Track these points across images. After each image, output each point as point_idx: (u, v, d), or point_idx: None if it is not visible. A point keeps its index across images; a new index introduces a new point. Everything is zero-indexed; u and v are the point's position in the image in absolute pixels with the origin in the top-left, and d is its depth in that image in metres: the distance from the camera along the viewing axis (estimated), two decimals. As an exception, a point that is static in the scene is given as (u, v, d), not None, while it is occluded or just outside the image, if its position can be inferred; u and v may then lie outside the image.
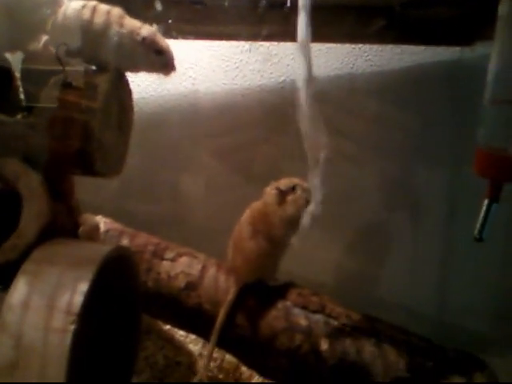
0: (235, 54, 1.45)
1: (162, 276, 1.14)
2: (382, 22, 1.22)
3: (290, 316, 1.03)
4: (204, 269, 1.13)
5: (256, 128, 1.48)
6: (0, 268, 0.86)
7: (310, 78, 0.93)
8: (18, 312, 0.76)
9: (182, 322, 1.18)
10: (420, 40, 1.35)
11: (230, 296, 1.06)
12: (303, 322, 1.02)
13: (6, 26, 0.92)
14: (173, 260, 1.16)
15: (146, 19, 0.98)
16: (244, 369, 1.30)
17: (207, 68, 1.46)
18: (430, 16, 1.22)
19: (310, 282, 1.14)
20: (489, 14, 0.79)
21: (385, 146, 1.45)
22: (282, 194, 1.03)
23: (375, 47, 1.42)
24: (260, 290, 1.08)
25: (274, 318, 1.04)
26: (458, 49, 1.37)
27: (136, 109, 1.11)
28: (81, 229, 1.12)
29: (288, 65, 1.43)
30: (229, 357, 1.29)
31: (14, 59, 0.95)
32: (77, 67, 0.93)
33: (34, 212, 0.88)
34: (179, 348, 1.36)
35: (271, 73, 1.45)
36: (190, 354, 1.35)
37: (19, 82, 0.94)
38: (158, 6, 1.11)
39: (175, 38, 1.27)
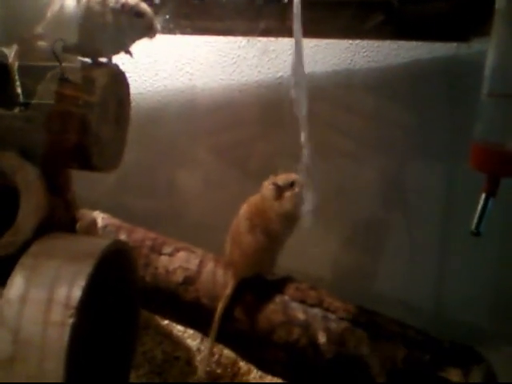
0: (232, 49, 1.44)
1: (159, 271, 1.14)
2: (379, 17, 1.22)
3: (288, 310, 1.03)
4: (202, 263, 1.13)
5: (253, 123, 1.48)
6: (-3, 262, 0.86)
7: (303, 74, 0.93)
8: (15, 306, 0.76)
9: (180, 317, 1.18)
10: (417, 36, 1.35)
11: (228, 290, 1.06)
12: (301, 315, 1.02)
13: (1, 18, 0.92)
14: (170, 255, 1.16)
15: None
16: (242, 363, 1.30)
17: (204, 63, 1.46)
18: (427, 12, 1.22)
19: (308, 277, 1.15)
20: (485, 9, 0.79)
21: (382, 141, 1.45)
22: (280, 190, 1.03)
23: (373, 43, 1.42)
24: (258, 285, 1.08)
25: (272, 311, 1.04)
26: (454, 44, 1.38)
27: (133, 104, 1.11)
28: (78, 224, 1.12)
29: (285, 60, 1.43)
30: (227, 351, 1.30)
31: (11, 53, 0.95)
32: (74, 62, 0.93)
33: (31, 206, 0.88)
34: (177, 343, 1.37)
35: (268, 68, 1.45)
36: (188, 348, 1.35)
37: (16, 76, 0.94)
38: (156, 1, 1.12)
39: (173, 33, 1.28)
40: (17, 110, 0.92)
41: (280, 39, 1.41)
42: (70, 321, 0.74)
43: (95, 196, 1.35)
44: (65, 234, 0.95)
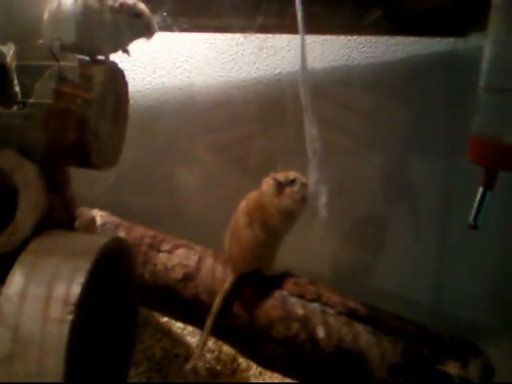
0: (231, 46, 1.44)
1: (158, 268, 1.14)
2: (376, 13, 1.22)
3: (287, 305, 1.04)
4: (201, 260, 1.14)
5: (252, 120, 1.48)
6: (-3, 260, 0.86)
7: (305, 70, 0.93)
8: (15, 303, 0.76)
9: (180, 314, 1.18)
10: (414, 31, 1.36)
11: (227, 284, 1.06)
12: (300, 310, 1.03)
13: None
14: (169, 252, 1.16)
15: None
16: (242, 360, 1.31)
17: (203, 61, 1.46)
18: (425, 7, 1.22)
19: (307, 273, 1.15)
20: (482, 4, 0.79)
21: (381, 136, 1.45)
22: (281, 186, 1.04)
23: (370, 39, 1.42)
24: (257, 280, 1.08)
25: (271, 307, 1.04)
26: (452, 40, 1.38)
27: (131, 102, 1.11)
28: (77, 222, 1.12)
29: (284, 57, 1.43)
30: (226, 348, 1.30)
31: (9, 51, 0.95)
32: (72, 60, 0.94)
33: (30, 204, 0.88)
34: (177, 340, 1.37)
35: (267, 65, 1.45)
36: (187, 346, 1.35)
37: (14, 75, 0.94)
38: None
39: (170, 30, 1.28)
40: (15, 108, 0.93)
41: (278, 36, 1.41)
42: (69, 318, 0.75)
43: (94, 194, 1.35)
44: (64, 232, 0.95)
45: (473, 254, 1.44)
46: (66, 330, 0.74)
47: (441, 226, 1.48)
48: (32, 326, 0.74)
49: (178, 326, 1.40)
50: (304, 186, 1.03)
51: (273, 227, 1.04)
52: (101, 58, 0.97)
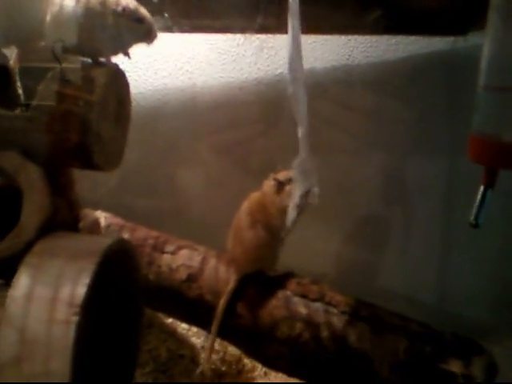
0: (232, 47, 1.45)
1: (162, 269, 1.15)
2: (376, 12, 1.22)
3: (290, 305, 1.04)
4: (204, 260, 1.14)
5: (253, 121, 1.48)
6: (2, 262, 0.86)
7: (301, 70, 0.93)
8: (21, 305, 0.76)
9: (184, 314, 1.19)
10: (415, 30, 1.36)
11: (230, 285, 1.07)
12: (303, 310, 1.03)
13: (1, 21, 0.93)
14: (173, 253, 1.17)
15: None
16: (247, 361, 1.31)
17: (204, 61, 1.46)
18: (424, 6, 1.22)
19: (310, 273, 1.15)
20: (482, 3, 0.79)
21: (381, 136, 1.46)
22: (281, 185, 1.04)
23: (370, 38, 1.43)
24: (260, 280, 1.09)
25: (275, 307, 1.05)
26: (451, 38, 1.38)
27: (133, 103, 1.11)
28: (81, 223, 1.13)
29: (284, 57, 1.43)
30: (231, 349, 1.31)
31: (12, 54, 0.96)
32: (74, 63, 0.94)
33: (34, 206, 0.89)
34: (182, 341, 1.38)
35: (268, 65, 1.45)
36: (192, 346, 1.36)
37: (17, 77, 0.94)
38: (155, 0, 1.12)
39: (172, 31, 1.28)
40: (18, 111, 0.93)
41: (278, 36, 1.41)
42: (75, 319, 0.75)
43: (97, 195, 1.36)
44: (68, 233, 0.95)
45: (476, 252, 1.44)
46: (71, 331, 0.74)
47: (443, 225, 1.48)
48: (38, 327, 0.75)
49: (182, 326, 1.41)
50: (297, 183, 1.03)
51: (275, 227, 1.05)
52: (102, 60, 0.98)
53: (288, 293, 1.06)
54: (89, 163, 0.95)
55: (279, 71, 1.45)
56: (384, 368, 0.96)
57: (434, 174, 1.46)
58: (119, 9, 0.93)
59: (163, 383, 1.24)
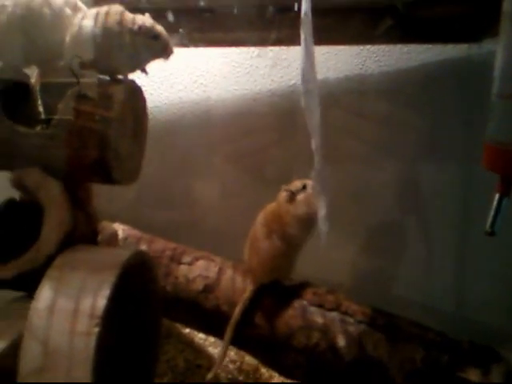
0: (245, 59, 1.47)
1: (180, 280, 1.16)
2: (388, 22, 1.23)
3: (307, 314, 1.04)
4: (221, 271, 1.15)
5: (268, 132, 1.50)
6: (24, 276, 0.89)
7: (315, 80, 0.94)
8: (44, 317, 0.78)
9: (201, 325, 1.19)
10: (427, 38, 1.36)
11: (246, 294, 1.08)
12: (319, 319, 1.03)
13: (21, 42, 0.96)
14: (190, 264, 1.18)
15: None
16: (264, 370, 1.31)
17: (218, 75, 1.49)
18: (437, 14, 1.23)
19: (326, 282, 1.15)
20: (495, 10, 0.79)
21: (396, 144, 1.45)
22: (293, 194, 1.05)
23: (383, 48, 1.43)
24: (276, 290, 1.09)
25: (291, 316, 1.05)
26: (465, 46, 1.38)
27: (150, 117, 1.14)
28: (100, 236, 1.15)
29: (297, 68, 1.44)
30: (248, 358, 1.31)
31: (33, 73, 0.99)
32: (91, 79, 0.97)
33: (55, 221, 0.91)
34: (199, 351, 1.38)
35: (281, 77, 1.47)
36: (209, 356, 1.36)
37: (38, 95, 0.97)
38: (170, 17, 1.15)
39: (186, 46, 1.30)
40: (39, 128, 0.96)
41: (292, 48, 1.43)
42: (96, 330, 0.76)
43: (114, 208, 1.38)
44: (87, 247, 0.97)
45: (492, 259, 1.43)
46: (92, 342, 0.76)
47: (459, 232, 1.47)
48: (60, 339, 0.76)
49: (200, 336, 1.42)
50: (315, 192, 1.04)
51: (291, 237, 1.05)
52: (120, 77, 1.00)
53: (304, 302, 1.07)
54: (108, 178, 0.97)
55: (293, 82, 1.47)
56: (401, 377, 0.95)
57: (449, 182, 1.45)
58: (136, 27, 0.95)
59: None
